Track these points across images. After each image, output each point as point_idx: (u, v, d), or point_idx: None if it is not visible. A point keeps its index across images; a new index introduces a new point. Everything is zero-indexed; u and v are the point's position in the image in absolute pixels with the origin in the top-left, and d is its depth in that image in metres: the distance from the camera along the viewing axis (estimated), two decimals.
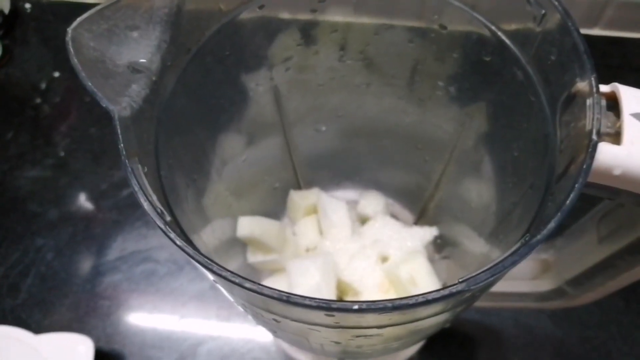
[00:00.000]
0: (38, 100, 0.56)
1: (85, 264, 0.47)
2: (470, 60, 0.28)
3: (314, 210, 0.42)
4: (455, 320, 0.40)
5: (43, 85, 0.57)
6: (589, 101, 0.20)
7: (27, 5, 0.63)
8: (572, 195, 0.18)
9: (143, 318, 0.45)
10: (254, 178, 0.38)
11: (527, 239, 0.18)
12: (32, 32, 0.62)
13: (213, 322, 0.44)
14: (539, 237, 0.17)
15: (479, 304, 0.26)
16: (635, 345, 0.42)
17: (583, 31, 0.25)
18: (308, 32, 0.30)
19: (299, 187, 0.43)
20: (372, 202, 0.43)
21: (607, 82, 0.20)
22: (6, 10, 0.61)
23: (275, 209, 0.43)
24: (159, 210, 0.18)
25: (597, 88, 0.20)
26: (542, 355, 0.43)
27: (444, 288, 0.16)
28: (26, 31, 0.62)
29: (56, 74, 0.58)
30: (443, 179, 0.37)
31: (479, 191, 0.33)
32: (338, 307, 0.16)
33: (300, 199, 0.41)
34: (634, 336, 0.43)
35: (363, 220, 0.42)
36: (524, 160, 0.26)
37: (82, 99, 0.56)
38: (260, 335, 0.43)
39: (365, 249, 0.39)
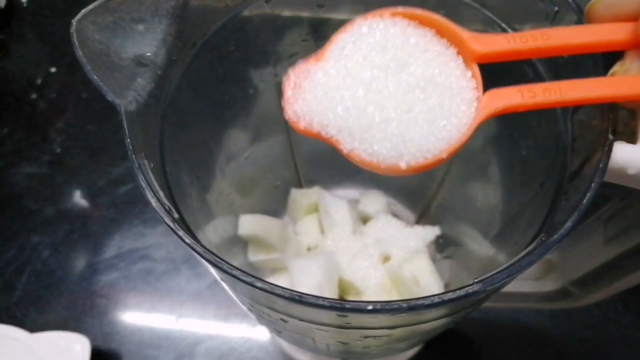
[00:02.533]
0: (34, 96, 0.56)
1: (82, 262, 0.47)
2: None
3: (315, 209, 0.41)
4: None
5: (39, 81, 0.57)
6: None
7: (24, 0, 0.62)
8: (588, 195, 0.17)
9: (140, 317, 0.44)
10: (256, 176, 0.38)
11: (543, 238, 0.17)
12: (28, 27, 0.61)
13: (211, 321, 0.44)
14: (555, 236, 0.17)
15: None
16: (634, 345, 0.42)
17: None
18: (314, 28, 0.30)
19: (300, 185, 0.43)
20: (374, 201, 0.42)
21: None
22: (2, 4, 0.60)
23: (276, 208, 0.42)
24: (167, 207, 0.18)
25: None
26: (542, 356, 0.42)
27: (460, 289, 0.16)
28: (22, 26, 0.61)
29: (53, 70, 0.57)
30: (447, 178, 0.37)
31: (485, 191, 0.33)
32: (352, 307, 0.16)
33: (301, 197, 0.41)
34: (633, 337, 0.43)
35: (364, 219, 0.42)
36: (533, 159, 0.26)
37: (79, 95, 0.56)
38: (258, 334, 0.43)
39: (367, 248, 0.38)
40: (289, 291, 0.16)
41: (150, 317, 0.44)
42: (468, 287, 0.16)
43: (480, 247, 0.33)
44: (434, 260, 0.38)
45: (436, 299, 0.16)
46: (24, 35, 0.60)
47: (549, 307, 0.34)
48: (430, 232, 0.39)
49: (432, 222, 0.40)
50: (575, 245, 0.31)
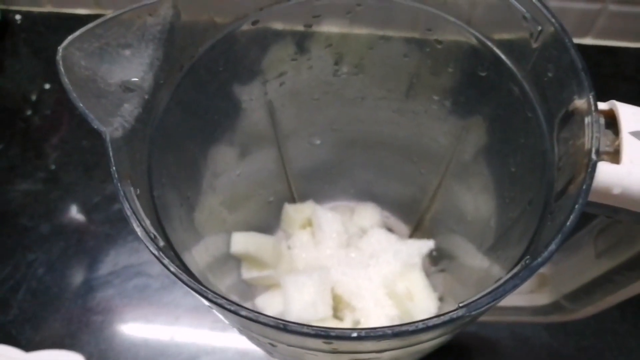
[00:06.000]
0: (29, 112, 0.56)
1: (78, 279, 0.47)
2: (466, 74, 0.28)
3: (308, 223, 0.41)
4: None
5: (34, 97, 0.57)
6: (587, 119, 0.19)
7: (18, 17, 0.63)
8: (572, 217, 0.17)
9: (136, 333, 0.44)
10: (248, 192, 0.38)
11: (527, 261, 0.17)
12: (22, 43, 0.61)
13: (207, 336, 0.44)
14: (539, 260, 0.17)
15: None
16: (632, 354, 0.42)
17: (575, 40, 0.25)
18: (302, 47, 0.30)
19: (293, 200, 0.43)
20: (368, 215, 0.42)
21: (599, 92, 0.20)
22: None
23: (270, 223, 0.42)
24: (152, 235, 0.18)
25: (596, 106, 0.20)
26: None
27: (444, 314, 0.16)
28: (17, 42, 0.61)
29: (47, 86, 0.57)
30: (439, 191, 0.37)
31: (476, 204, 0.33)
32: (336, 334, 0.16)
33: (294, 212, 0.41)
34: (630, 346, 0.43)
35: (358, 233, 0.42)
36: (521, 176, 0.26)
37: (74, 111, 0.56)
38: (255, 349, 0.43)
39: (361, 263, 0.38)
40: (273, 319, 0.16)
41: (146, 333, 0.44)
42: (452, 312, 0.16)
43: (473, 260, 0.33)
44: (428, 273, 0.38)
45: (420, 325, 0.16)
46: (18, 51, 0.61)
47: (543, 321, 0.34)
48: (425, 246, 0.39)
49: (426, 235, 0.40)
50: (567, 259, 0.31)
